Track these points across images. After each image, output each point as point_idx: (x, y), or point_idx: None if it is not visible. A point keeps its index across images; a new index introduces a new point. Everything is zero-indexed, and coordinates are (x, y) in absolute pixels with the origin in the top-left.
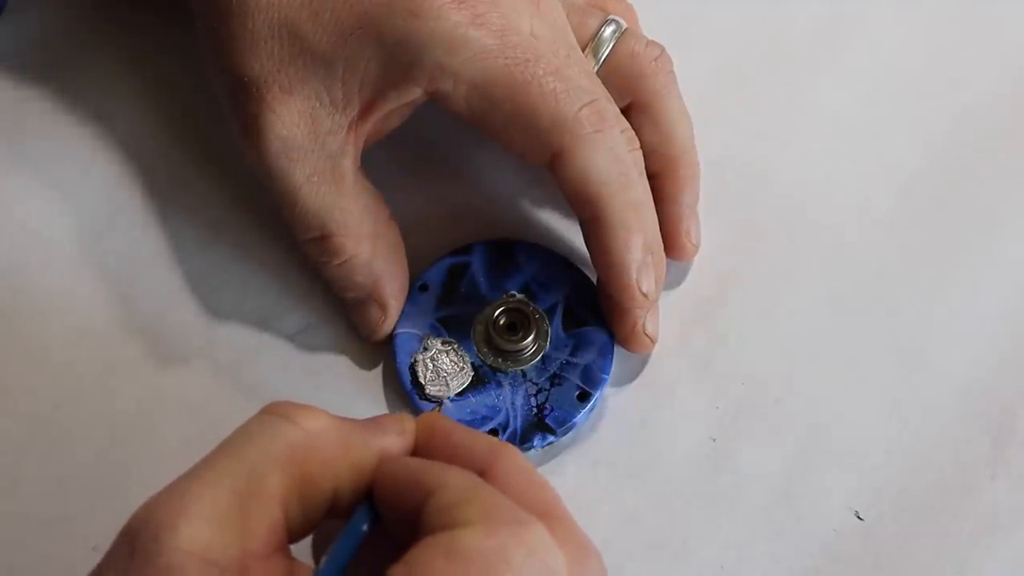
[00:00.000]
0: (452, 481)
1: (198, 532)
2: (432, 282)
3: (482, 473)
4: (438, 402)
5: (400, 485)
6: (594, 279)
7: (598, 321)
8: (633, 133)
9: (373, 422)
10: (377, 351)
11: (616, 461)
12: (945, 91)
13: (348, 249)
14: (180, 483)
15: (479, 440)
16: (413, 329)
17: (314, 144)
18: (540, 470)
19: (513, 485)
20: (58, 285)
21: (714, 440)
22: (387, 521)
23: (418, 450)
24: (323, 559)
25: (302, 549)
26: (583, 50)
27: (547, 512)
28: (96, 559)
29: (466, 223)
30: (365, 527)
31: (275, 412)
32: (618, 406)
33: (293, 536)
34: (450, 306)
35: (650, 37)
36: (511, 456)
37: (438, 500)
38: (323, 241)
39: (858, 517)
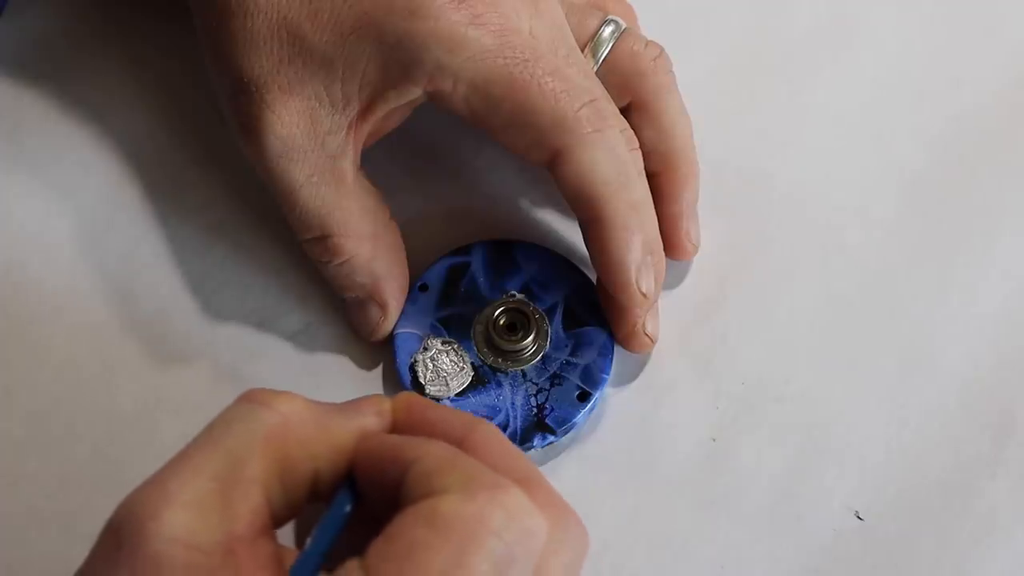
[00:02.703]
0: (431, 451)
1: (181, 519)
2: (432, 282)
3: (459, 445)
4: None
5: (379, 460)
6: (594, 279)
7: (598, 321)
8: (632, 133)
9: (350, 404)
10: (377, 351)
11: (616, 461)
12: (945, 91)
13: (348, 249)
14: (162, 474)
15: (454, 415)
16: (413, 329)
17: (314, 144)
18: (540, 470)
19: (490, 455)
20: (58, 285)
21: (714, 440)
22: (369, 502)
23: (396, 430)
24: (307, 541)
25: (286, 540)
26: (582, 50)
27: (526, 478)
28: None
29: (466, 223)
30: (347, 508)
31: (252, 399)
32: (618, 406)
33: (277, 520)
34: (450, 306)
35: (650, 37)
36: (486, 428)
37: (417, 470)
38: (323, 241)
39: (858, 517)
